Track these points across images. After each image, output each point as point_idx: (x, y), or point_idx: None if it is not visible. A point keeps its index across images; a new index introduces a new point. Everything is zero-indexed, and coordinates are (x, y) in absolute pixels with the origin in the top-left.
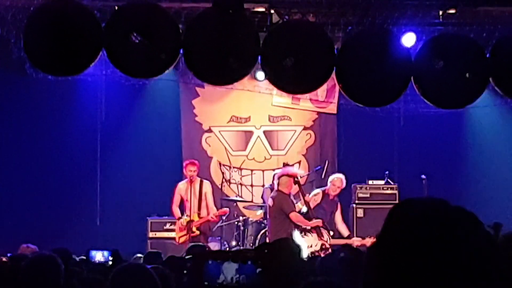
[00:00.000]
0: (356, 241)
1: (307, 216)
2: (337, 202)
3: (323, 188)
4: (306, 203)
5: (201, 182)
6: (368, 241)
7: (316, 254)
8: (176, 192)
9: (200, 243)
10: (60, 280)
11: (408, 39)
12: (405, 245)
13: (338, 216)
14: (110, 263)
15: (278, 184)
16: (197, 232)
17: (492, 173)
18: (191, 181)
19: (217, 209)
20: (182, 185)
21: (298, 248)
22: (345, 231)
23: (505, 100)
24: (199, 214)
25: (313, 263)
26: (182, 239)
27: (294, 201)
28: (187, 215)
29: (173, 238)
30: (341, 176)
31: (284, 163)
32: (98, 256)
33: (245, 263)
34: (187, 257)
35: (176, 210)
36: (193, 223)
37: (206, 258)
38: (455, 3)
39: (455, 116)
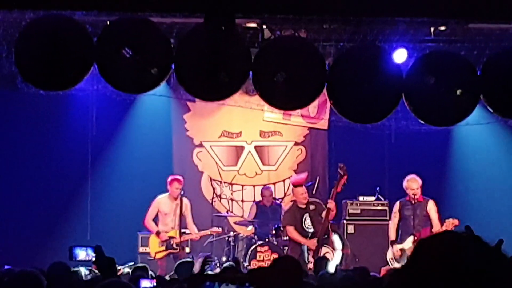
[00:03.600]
0: None
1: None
2: (426, 202)
3: (401, 199)
4: (326, 215)
5: (181, 199)
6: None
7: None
8: (154, 205)
9: (188, 259)
10: None
11: (400, 55)
12: (432, 278)
13: (431, 216)
14: (94, 259)
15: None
16: (177, 249)
17: (482, 191)
18: (175, 198)
19: (210, 225)
20: (163, 199)
21: (298, 268)
22: (437, 229)
23: (496, 118)
24: (180, 231)
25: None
26: (160, 255)
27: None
28: (163, 231)
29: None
30: (412, 176)
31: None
32: (82, 254)
33: (242, 285)
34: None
35: (153, 224)
36: (174, 240)
37: (203, 280)
38: (446, 20)
39: (446, 134)
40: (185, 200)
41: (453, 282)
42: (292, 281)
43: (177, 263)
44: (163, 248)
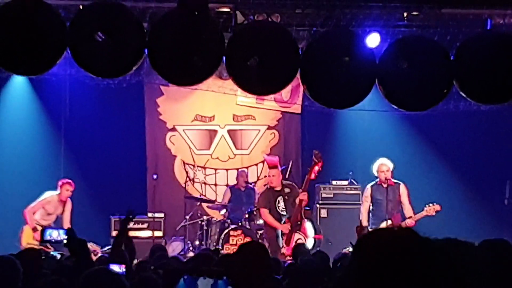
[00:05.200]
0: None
1: (288, 214)
2: (397, 186)
3: (371, 183)
4: (299, 204)
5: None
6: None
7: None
8: (41, 203)
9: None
10: (19, 283)
11: (373, 40)
12: (375, 277)
13: (403, 200)
14: (65, 241)
15: None
16: (51, 249)
17: (455, 175)
18: (64, 200)
19: (183, 209)
20: (52, 201)
21: (265, 253)
22: (409, 213)
23: (469, 103)
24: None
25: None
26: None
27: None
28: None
29: (137, 237)
30: (382, 160)
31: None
32: (54, 234)
33: (220, 278)
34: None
35: (32, 218)
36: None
37: (181, 273)
38: (420, 5)
39: (419, 118)
40: (69, 203)
41: (392, 279)
42: (259, 266)
43: (152, 247)
44: (37, 243)
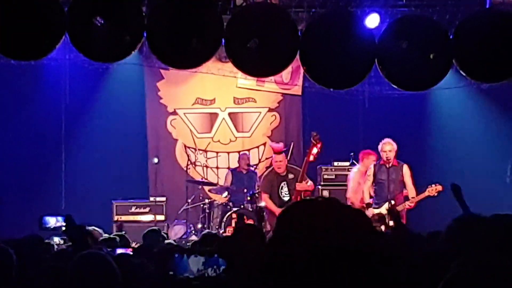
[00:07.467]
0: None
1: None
2: (401, 167)
3: (375, 163)
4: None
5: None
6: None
7: None
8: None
9: (155, 228)
10: (12, 272)
11: (372, 20)
12: (296, 248)
13: (406, 180)
14: (64, 228)
15: None
16: None
17: (456, 155)
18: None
19: (185, 193)
20: (359, 171)
21: (261, 235)
22: (411, 194)
23: (469, 82)
24: None
25: None
26: None
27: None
28: None
29: (138, 221)
30: (386, 139)
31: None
32: (52, 221)
33: (211, 256)
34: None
35: None
36: None
37: (172, 252)
38: None
39: (420, 98)
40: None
41: (316, 249)
42: (254, 248)
43: (145, 232)
44: None
